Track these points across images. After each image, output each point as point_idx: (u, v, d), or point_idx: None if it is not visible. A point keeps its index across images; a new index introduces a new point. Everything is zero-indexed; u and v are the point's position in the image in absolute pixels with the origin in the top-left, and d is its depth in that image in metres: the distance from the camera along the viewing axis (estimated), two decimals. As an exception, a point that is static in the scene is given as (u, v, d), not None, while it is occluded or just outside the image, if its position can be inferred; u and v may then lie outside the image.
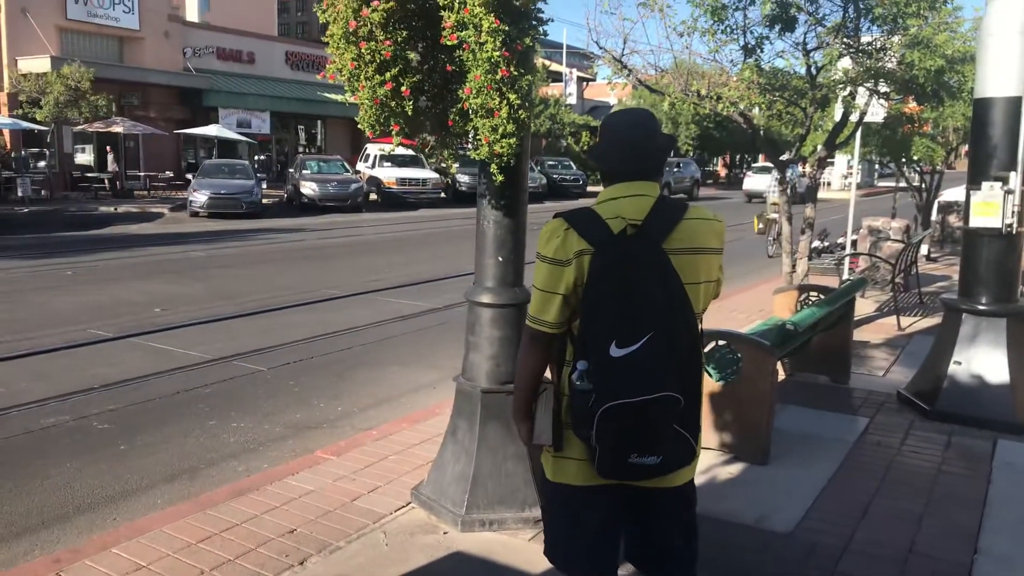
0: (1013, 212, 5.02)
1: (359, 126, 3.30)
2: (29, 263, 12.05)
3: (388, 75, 3.11)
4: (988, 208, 5.08)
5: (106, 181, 24.97)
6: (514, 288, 3.59)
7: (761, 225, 12.38)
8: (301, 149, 35.07)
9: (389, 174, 25.54)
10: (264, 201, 22.19)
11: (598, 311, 1.97)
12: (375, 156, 26.37)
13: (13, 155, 22.91)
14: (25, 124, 22.92)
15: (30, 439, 4.88)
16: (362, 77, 3.14)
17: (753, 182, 31.13)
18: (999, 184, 5.03)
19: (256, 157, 30.50)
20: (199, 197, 20.13)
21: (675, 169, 33.74)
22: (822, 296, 6.03)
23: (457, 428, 3.70)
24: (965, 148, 13.10)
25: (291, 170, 25.66)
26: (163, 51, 28.72)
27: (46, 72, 22.96)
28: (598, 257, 1.98)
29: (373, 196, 25.47)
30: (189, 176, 24.16)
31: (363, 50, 3.09)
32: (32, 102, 22.91)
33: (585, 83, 47.42)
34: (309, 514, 3.69)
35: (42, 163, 24.93)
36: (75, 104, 22.76)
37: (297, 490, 3.95)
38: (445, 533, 3.53)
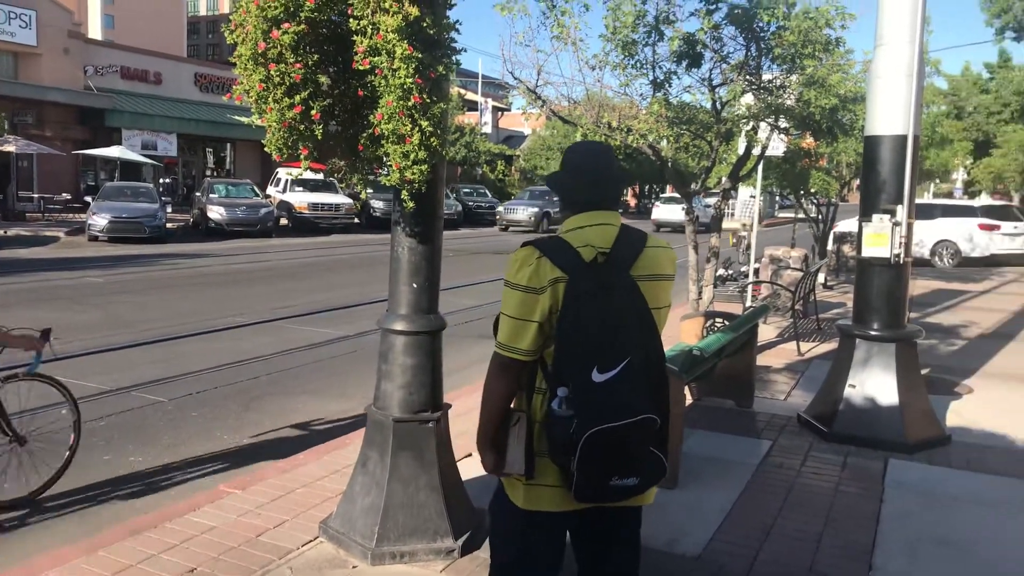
0: (900, 243, 5.33)
1: (266, 149, 3.23)
2: (-95, 288, 11.23)
3: (297, 98, 3.06)
4: (878, 239, 5.38)
5: None
6: (429, 315, 3.57)
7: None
8: (209, 172, 34.11)
9: (301, 199, 25.09)
10: (169, 225, 21.39)
11: (578, 337, 2.01)
12: (286, 180, 25.86)
13: None
14: (-95, 141, 21.51)
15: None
16: (270, 99, 3.08)
17: (661, 212, 32.18)
18: (888, 216, 5.33)
19: (161, 180, 29.46)
20: (99, 220, 19.24)
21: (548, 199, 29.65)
22: (727, 322, 6.23)
23: (368, 459, 3.63)
24: (857, 182, 13.88)
25: (198, 194, 24.86)
26: (62, 68, 27.52)
27: (-70, 87, 21.65)
28: (573, 284, 2.03)
29: (284, 221, 24.95)
30: (88, 199, 23.11)
31: (272, 72, 3.03)
32: (-87, 117, 21.55)
33: (500, 112, 48.00)
34: (211, 551, 3.53)
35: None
36: (-37, 121, 21.51)
37: (198, 527, 3.78)
38: (354, 567, 3.44)
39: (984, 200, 24.97)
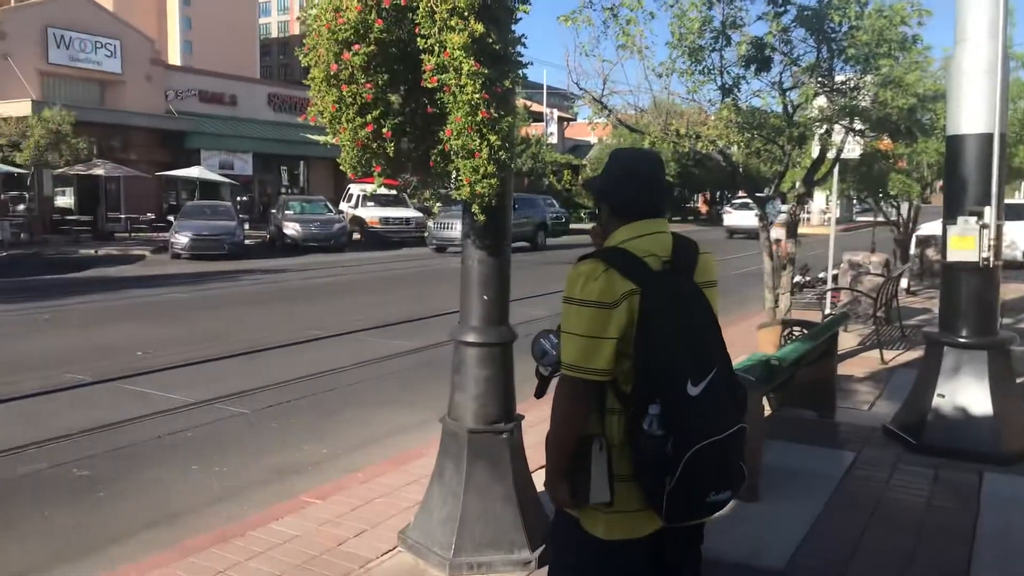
0: (989, 246, 5.10)
1: (341, 167, 3.32)
2: (6, 307, 11.91)
3: (369, 117, 3.14)
4: (964, 243, 5.16)
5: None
6: (500, 327, 3.59)
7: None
8: (283, 190, 35.15)
9: (372, 214, 25.62)
10: (247, 242, 22.13)
11: (668, 351, 1.93)
12: (358, 196, 26.46)
13: (-8, 198, 22.86)
14: (4, 168, 22.88)
15: (5, 488, 4.78)
16: (343, 119, 3.16)
17: (733, 218, 31.39)
18: (974, 219, 5.11)
19: (238, 198, 30.51)
20: (181, 239, 20.04)
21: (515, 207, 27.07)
22: (805, 331, 6.07)
23: (444, 470, 3.66)
24: (940, 183, 13.33)
25: (273, 211, 25.68)
26: (145, 94, 28.87)
27: (27, 115, 22.97)
28: (649, 296, 1.94)
29: (356, 236, 25.50)
30: (171, 218, 24.12)
31: (344, 93, 3.11)
32: (12, 145, 22.87)
33: (566, 123, 48.06)
34: (294, 560, 3.62)
35: (21, 206, 24.81)
36: (56, 147, 22.75)
37: (282, 535, 3.88)
38: (432, 578, 3.47)
39: (1081, 198, 23.62)
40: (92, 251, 20.92)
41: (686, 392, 1.91)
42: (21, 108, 23.67)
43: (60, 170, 24.61)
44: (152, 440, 5.67)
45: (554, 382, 2.16)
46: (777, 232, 15.90)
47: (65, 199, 27.48)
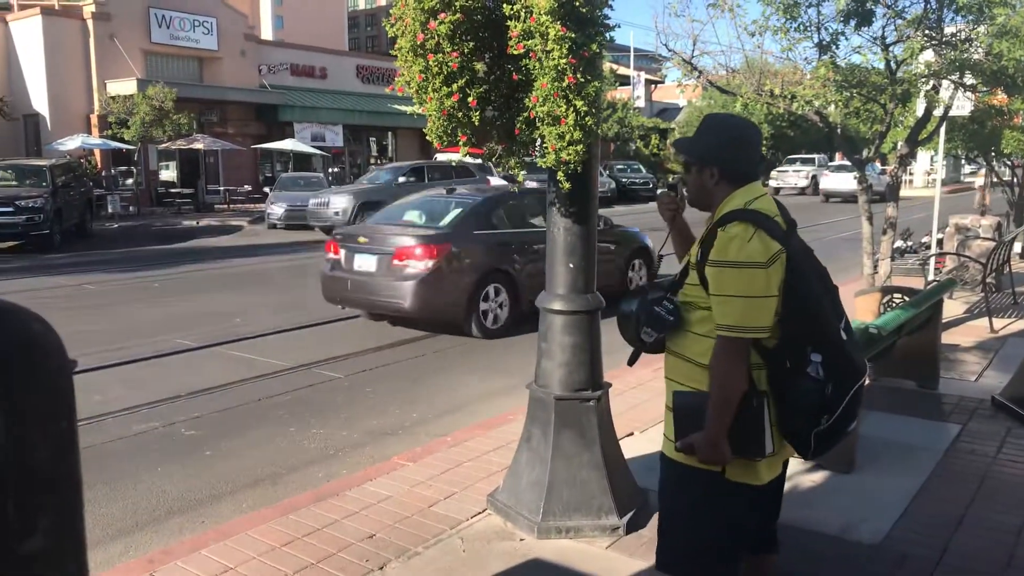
0: (1115, 206, 4.74)
1: (427, 137, 3.34)
2: (119, 276, 12.62)
3: (455, 86, 3.14)
4: (1087, 202, 4.81)
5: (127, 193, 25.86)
6: (585, 295, 3.58)
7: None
8: (373, 160, 35.78)
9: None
10: (338, 212, 22.65)
11: (819, 303, 2.11)
12: (444, 166, 26.66)
13: (103, 174, 24.13)
14: (114, 144, 24.14)
15: (123, 444, 5.11)
16: (430, 89, 3.18)
17: (830, 181, 29.97)
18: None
19: (330, 169, 31.25)
20: (276, 210, 20.71)
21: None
22: (907, 298, 5.81)
23: (531, 435, 3.70)
24: (1060, 140, 12.38)
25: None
26: (240, 69, 29.74)
27: (132, 93, 24.09)
28: (792, 254, 2.10)
29: (443, 205, 25.71)
30: (267, 190, 24.95)
31: (431, 62, 3.12)
32: (120, 123, 24.06)
33: (653, 86, 47.04)
34: (388, 519, 3.75)
35: (130, 180, 26.14)
36: (159, 123, 23.79)
37: (376, 495, 4.02)
38: (521, 540, 3.53)
39: None
40: (194, 222, 21.87)
41: (841, 338, 2.09)
42: (127, 87, 24.81)
43: (164, 145, 25.75)
44: (253, 402, 5.94)
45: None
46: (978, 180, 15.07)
47: (168, 173, 28.76)
